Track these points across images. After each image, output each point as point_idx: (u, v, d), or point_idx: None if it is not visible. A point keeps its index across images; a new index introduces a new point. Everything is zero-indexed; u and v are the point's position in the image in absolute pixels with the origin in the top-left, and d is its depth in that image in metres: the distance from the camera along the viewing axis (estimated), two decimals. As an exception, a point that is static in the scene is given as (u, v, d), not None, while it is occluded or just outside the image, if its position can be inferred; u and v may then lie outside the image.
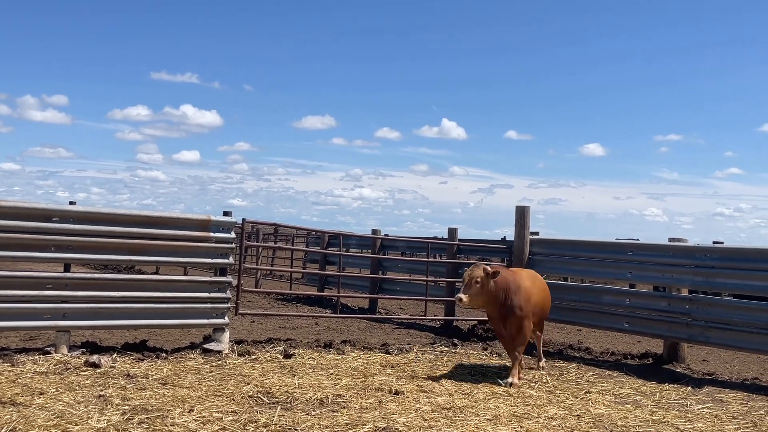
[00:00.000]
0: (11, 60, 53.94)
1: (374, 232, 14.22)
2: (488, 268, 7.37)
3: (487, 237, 15.52)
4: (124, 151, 70.45)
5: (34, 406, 5.25)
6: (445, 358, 8.53)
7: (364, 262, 15.79)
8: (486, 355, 8.97)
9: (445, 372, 7.60)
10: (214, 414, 5.32)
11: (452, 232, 12.10)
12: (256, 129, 63.36)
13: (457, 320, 11.46)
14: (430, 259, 11.98)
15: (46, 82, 58.98)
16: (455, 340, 9.66)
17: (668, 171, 59.10)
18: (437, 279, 11.90)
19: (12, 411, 5.10)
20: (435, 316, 12.20)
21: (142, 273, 14.42)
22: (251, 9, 56.04)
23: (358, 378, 7.00)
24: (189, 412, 5.34)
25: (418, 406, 5.93)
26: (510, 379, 7.16)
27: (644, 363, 8.87)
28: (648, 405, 6.56)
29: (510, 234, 11.10)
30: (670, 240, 9.12)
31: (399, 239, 14.36)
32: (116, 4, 55.69)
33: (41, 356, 7.10)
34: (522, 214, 10.39)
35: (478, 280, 7.21)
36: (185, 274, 13.94)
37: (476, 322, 10.92)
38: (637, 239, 12.35)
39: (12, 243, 7.30)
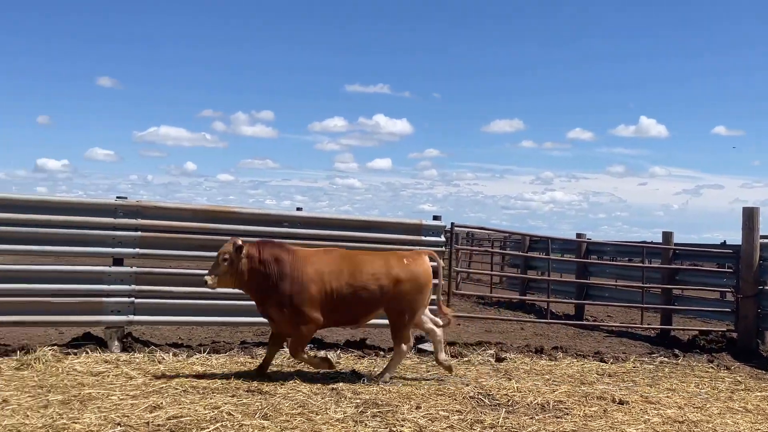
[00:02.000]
0: (224, 77, 59.40)
1: (578, 236, 13.81)
2: (238, 241, 6.29)
3: (694, 241, 14.49)
4: (323, 161, 74.69)
5: (278, 395, 5.74)
6: (666, 369, 8.06)
7: (566, 266, 15.40)
8: (713, 368, 8.34)
9: (669, 384, 7.18)
10: (440, 412, 5.47)
11: (667, 236, 11.42)
12: (444, 135, 64.25)
13: (675, 330, 10.79)
14: (645, 265, 11.40)
15: (255, 99, 64.20)
16: (676, 351, 9.08)
17: None
18: (652, 285, 11.28)
19: (260, 399, 5.61)
20: (649, 324, 11.55)
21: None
22: (438, 21, 56.97)
23: (575, 385, 6.84)
24: (416, 408, 5.54)
25: (646, 417, 5.67)
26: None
27: None
28: None
29: (729, 237, 10.28)
30: None
31: (607, 243, 13.84)
32: (315, 22, 59.19)
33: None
34: (750, 216, 9.55)
35: (226, 256, 6.19)
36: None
37: (697, 332, 10.22)
38: None
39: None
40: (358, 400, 5.69)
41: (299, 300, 6.27)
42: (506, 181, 62.33)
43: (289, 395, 5.77)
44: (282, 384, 6.15)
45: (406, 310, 6.55)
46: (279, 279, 6.27)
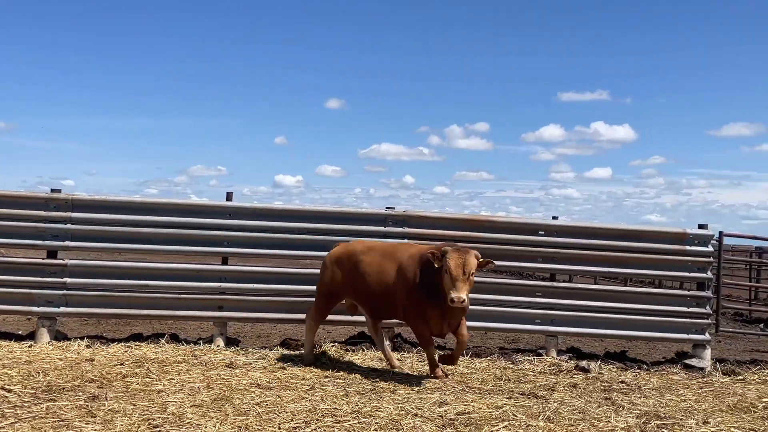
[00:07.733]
0: (439, 92, 60.95)
1: None
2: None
3: None
4: (539, 171, 73.81)
5: (552, 401, 5.81)
6: None
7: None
8: None
9: None
10: (732, 429, 5.20)
11: None
12: (670, 141, 60.29)
13: None
14: None
15: (469, 111, 65.21)
16: None
17: None
18: None
19: (537, 402, 5.72)
20: None
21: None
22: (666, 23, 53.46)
23: None
24: (704, 423, 5.31)
25: None
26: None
27: None
28: None
29: None
30: None
31: None
32: (528, 30, 58.55)
33: (534, 357, 7.84)
34: None
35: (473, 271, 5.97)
36: (659, 286, 13.93)
37: None
38: None
39: (505, 254, 8.18)
40: (636, 411, 5.58)
41: None
42: (744, 189, 56.72)
43: (565, 401, 5.82)
44: (552, 390, 6.23)
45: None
46: None
